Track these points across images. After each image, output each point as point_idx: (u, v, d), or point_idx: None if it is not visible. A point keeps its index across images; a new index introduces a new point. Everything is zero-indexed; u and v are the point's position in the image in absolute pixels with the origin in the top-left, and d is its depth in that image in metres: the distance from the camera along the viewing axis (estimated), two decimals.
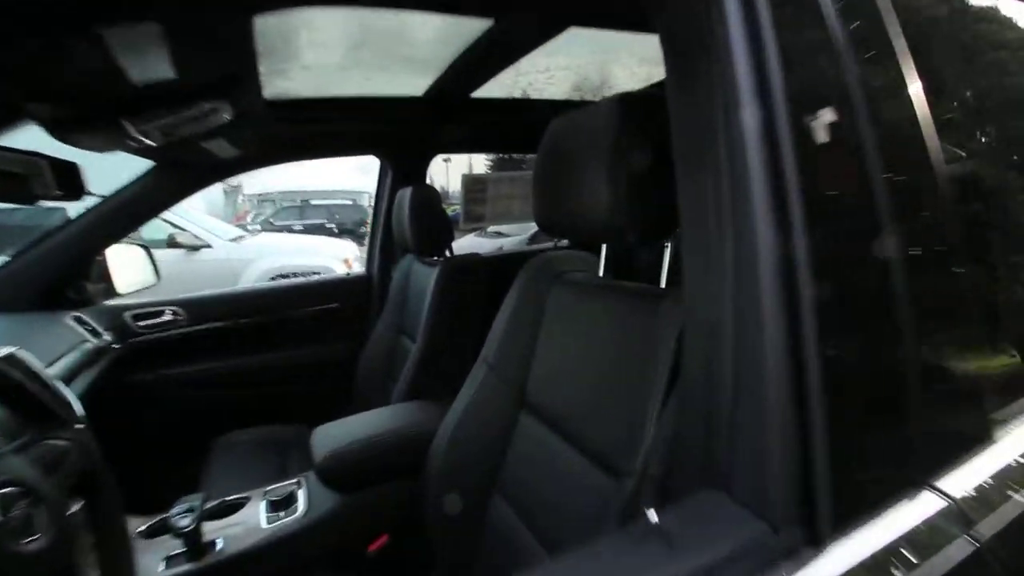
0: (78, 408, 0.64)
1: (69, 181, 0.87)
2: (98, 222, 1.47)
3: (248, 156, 1.48)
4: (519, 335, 0.92)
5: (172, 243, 4.51)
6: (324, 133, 1.67)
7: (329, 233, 8.94)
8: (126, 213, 1.51)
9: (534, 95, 1.69)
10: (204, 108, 0.84)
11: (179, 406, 1.64)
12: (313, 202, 11.95)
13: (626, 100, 0.65)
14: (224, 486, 1.27)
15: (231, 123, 1.09)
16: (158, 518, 0.97)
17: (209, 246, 4.68)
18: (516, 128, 1.86)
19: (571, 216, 0.73)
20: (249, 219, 11.54)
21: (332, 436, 1.07)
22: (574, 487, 0.73)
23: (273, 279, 4.69)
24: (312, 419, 1.66)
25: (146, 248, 1.74)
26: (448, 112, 1.65)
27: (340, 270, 4.78)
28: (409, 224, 1.44)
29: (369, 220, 1.96)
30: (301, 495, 1.03)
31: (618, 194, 0.63)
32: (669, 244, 0.73)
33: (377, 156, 1.82)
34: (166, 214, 4.45)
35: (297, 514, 0.98)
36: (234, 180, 14.36)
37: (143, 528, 0.97)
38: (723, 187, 0.43)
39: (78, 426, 0.63)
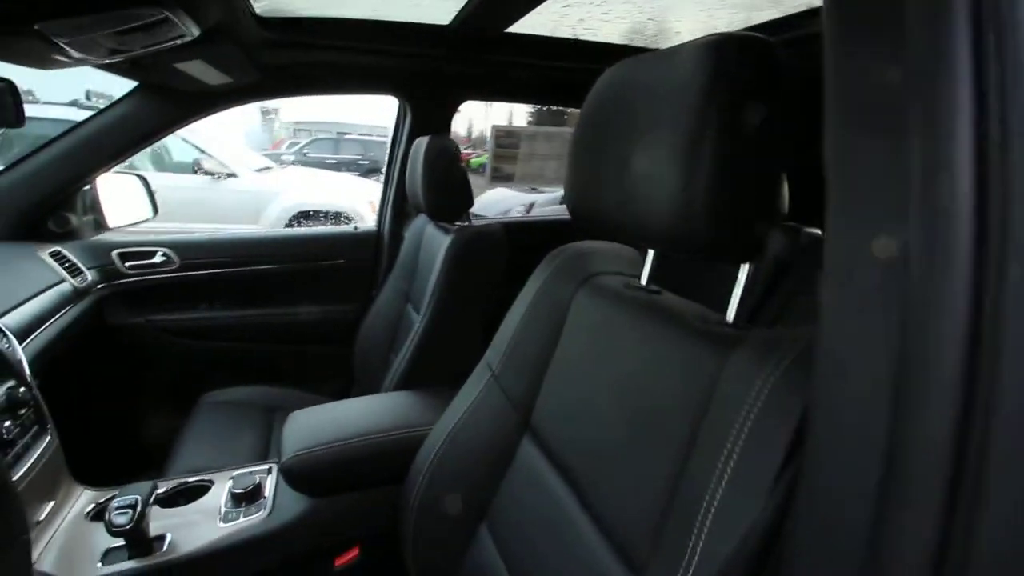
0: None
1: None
2: (79, 147, 1.32)
3: (242, 86, 1.27)
4: (530, 345, 0.74)
5: (197, 168, 4.48)
6: (330, 63, 1.42)
7: (358, 170, 8.76)
8: (113, 138, 1.35)
9: (586, 36, 1.41)
10: (147, 16, 0.64)
11: (166, 355, 1.53)
12: (348, 136, 11.68)
13: (724, 45, 0.43)
14: (199, 452, 1.18)
15: (208, 40, 0.90)
16: (107, 497, 0.88)
17: (235, 175, 4.61)
18: (561, 75, 1.57)
19: (619, 207, 0.53)
20: (284, 147, 11.41)
21: (305, 430, 0.91)
22: (581, 569, 0.56)
23: (295, 215, 4.61)
24: (305, 382, 1.56)
25: (143, 178, 1.60)
26: (479, 48, 1.39)
27: (365, 212, 4.65)
28: (422, 181, 1.23)
29: None
30: (269, 486, 0.91)
31: (698, 183, 0.43)
32: (747, 266, 0.52)
33: (394, 96, 1.57)
34: (188, 137, 4.43)
35: (260, 514, 0.86)
36: (272, 105, 14.25)
37: (91, 508, 0.87)
38: (960, 186, 0.23)
39: None
